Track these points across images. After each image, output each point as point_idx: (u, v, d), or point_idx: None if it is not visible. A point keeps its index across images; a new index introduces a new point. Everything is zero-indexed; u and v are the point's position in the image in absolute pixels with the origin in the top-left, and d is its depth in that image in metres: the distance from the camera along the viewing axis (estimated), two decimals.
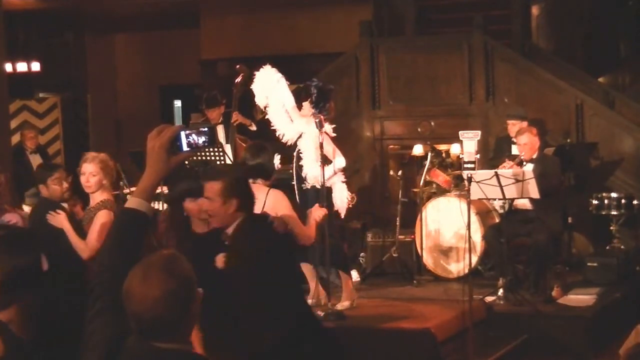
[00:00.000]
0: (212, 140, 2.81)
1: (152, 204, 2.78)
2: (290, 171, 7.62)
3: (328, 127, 7.51)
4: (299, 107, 7.57)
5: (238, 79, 8.88)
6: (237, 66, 9.00)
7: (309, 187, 7.44)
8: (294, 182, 7.53)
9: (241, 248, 4.31)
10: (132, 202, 2.75)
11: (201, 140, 2.77)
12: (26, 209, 6.93)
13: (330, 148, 7.45)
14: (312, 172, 7.38)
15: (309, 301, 7.55)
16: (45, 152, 12.11)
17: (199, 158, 8.58)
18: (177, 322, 2.51)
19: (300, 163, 7.50)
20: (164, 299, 2.46)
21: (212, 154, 8.67)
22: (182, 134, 2.74)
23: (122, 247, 2.72)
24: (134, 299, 2.48)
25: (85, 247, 5.76)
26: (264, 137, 8.80)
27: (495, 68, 10.51)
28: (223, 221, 4.33)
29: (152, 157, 2.73)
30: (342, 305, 7.51)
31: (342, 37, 12.36)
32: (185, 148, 2.75)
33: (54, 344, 2.79)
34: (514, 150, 8.64)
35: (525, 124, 8.79)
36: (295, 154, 7.56)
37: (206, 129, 2.78)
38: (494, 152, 9.48)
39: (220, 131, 9.05)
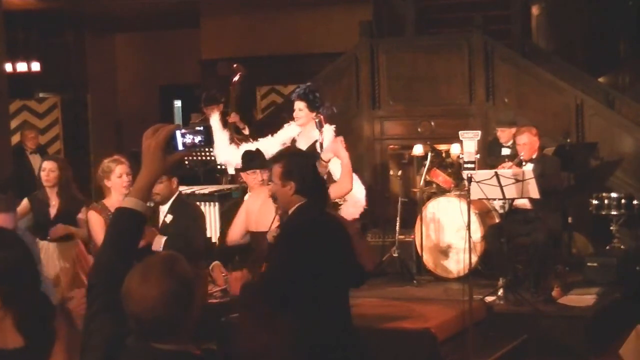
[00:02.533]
0: (209, 140, 2.81)
1: (148, 203, 2.78)
2: None
3: (330, 128, 7.47)
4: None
5: (235, 78, 8.89)
6: (234, 65, 9.00)
7: None
8: None
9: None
10: (128, 202, 2.74)
11: (197, 139, 2.76)
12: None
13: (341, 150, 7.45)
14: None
15: None
16: (46, 152, 12.11)
17: (199, 158, 8.59)
18: (177, 323, 2.50)
19: None
20: (163, 299, 2.46)
21: (211, 153, 8.67)
22: (178, 133, 2.74)
23: (119, 246, 2.71)
24: (133, 300, 2.48)
25: None
26: (261, 138, 8.81)
27: (495, 68, 10.49)
28: (284, 204, 4.42)
29: (148, 157, 2.73)
30: None
31: (342, 37, 12.35)
32: (180, 147, 2.75)
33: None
34: (504, 152, 8.67)
35: (514, 130, 8.70)
36: None
37: (202, 128, 2.78)
38: (487, 154, 9.46)
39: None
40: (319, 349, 4.26)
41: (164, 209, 6.30)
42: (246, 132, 9.14)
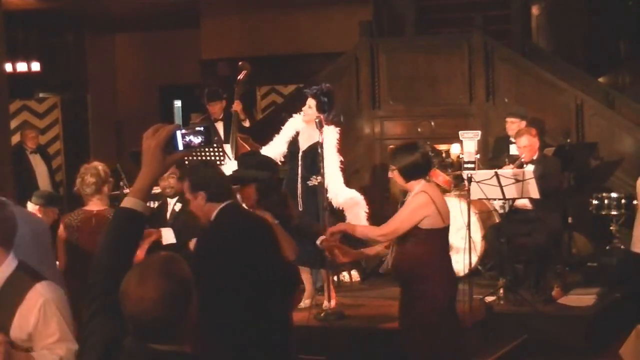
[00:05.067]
0: (209, 140, 2.80)
1: (147, 204, 2.77)
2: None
3: (331, 130, 7.53)
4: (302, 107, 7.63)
5: (240, 76, 8.86)
6: (240, 63, 8.96)
7: (316, 183, 7.50)
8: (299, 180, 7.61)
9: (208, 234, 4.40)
10: (127, 202, 2.73)
11: (197, 139, 2.76)
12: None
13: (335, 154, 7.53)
14: (340, 196, 7.48)
15: (306, 302, 7.57)
16: (46, 152, 12.10)
17: (199, 158, 8.58)
18: (175, 324, 2.50)
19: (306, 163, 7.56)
20: (161, 300, 2.45)
21: (211, 153, 8.66)
22: (178, 133, 2.73)
23: (118, 246, 2.71)
24: (131, 301, 2.47)
25: None
26: (261, 138, 8.81)
27: (495, 68, 10.49)
28: (203, 215, 4.41)
29: (148, 157, 2.73)
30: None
31: (342, 37, 12.35)
32: (181, 147, 2.74)
33: None
34: (512, 150, 8.64)
35: (524, 123, 8.80)
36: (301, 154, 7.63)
37: (202, 128, 2.78)
38: (493, 152, 9.48)
39: (220, 128, 9.03)
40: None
41: (171, 200, 6.58)
42: (246, 124, 9.11)
